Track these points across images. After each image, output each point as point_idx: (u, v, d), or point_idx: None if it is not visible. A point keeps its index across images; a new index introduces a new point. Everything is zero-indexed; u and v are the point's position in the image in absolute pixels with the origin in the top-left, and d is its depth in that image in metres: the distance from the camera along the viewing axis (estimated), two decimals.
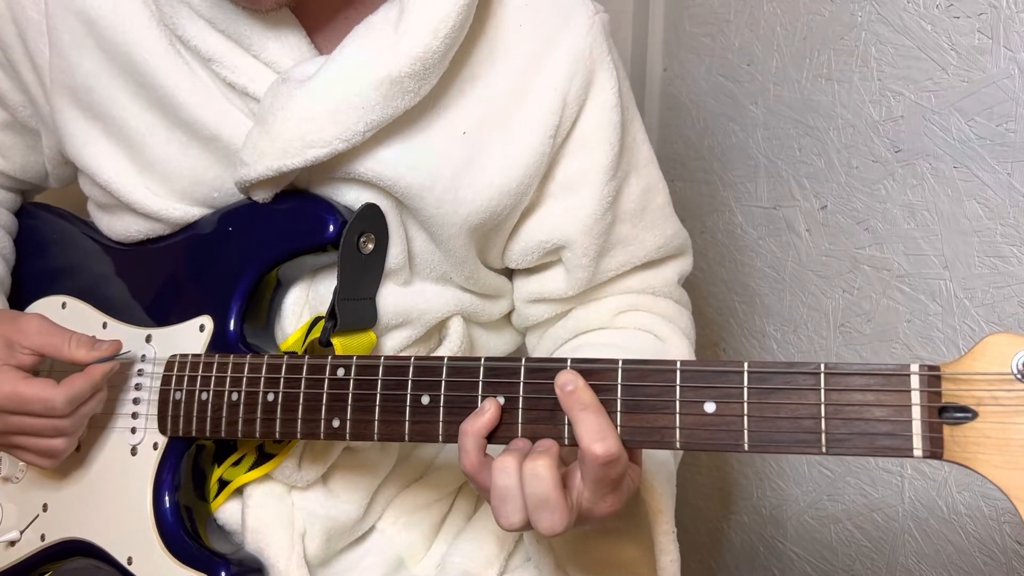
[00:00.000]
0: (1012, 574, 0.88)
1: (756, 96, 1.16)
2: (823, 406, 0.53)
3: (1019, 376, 0.49)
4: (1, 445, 0.74)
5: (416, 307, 0.77)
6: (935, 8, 0.90)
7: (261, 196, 0.73)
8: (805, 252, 1.10)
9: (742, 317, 1.22)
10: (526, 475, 0.57)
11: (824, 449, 0.53)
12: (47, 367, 0.79)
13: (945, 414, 0.51)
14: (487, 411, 0.60)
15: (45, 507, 0.79)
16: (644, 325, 0.82)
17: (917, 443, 0.51)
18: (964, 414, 0.50)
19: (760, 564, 1.21)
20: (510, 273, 0.85)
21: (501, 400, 0.61)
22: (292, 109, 0.69)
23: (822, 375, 0.53)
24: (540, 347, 0.86)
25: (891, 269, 0.98)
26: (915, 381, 0.51)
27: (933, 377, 0.51)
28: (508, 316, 0.88)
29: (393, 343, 0.77)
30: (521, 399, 0.60)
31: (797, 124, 1.09)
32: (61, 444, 0.73)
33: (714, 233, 1.25)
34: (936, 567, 0.96)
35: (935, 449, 0.51)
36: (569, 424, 0.59)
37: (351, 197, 0.73)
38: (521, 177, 0.74)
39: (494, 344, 0.87)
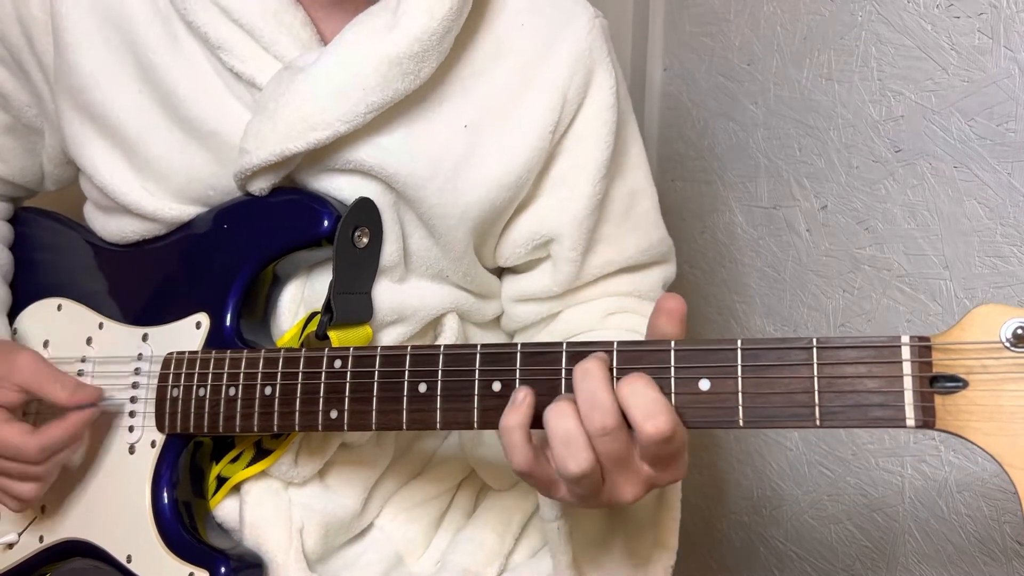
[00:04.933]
0: (1012, 574, 0.88)
1: (756, 96, 1.16)
2: (816, 380, 0.53)
3: (1008, 344, 0.49)
4: None
5: (411, 304, 0.77)
6: (935, 8, 0.90)
7: (259, 187, 0.73)
8: (805, 252, 1.10)
9: (742, 317, 1.22)
10: (576, 375, 0.56)
11: (818, 422, 0.53)
12: (34, 408, 0.79)
13: (936, 384, 0.51)
14: (523, 401, 0.58)
15: (43, 508, 0.79)
16: (633, 327, 0.82)
17: (910, 413, 0.51)
18: (955, 383, 0.51)
19: (760, 564, 1.21)
20: (500, 274, 0.85)
21: (521, 393, 0.59)
22: (293, 93, 0.70)
23: (814, 349, 0.53)
24: None
25: (891, 269, 0.98)
26: (906, 352, 0.52)
27: (924, 348, 0.51)
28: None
29: (388, 339, 0.77)
30: (518, 383, 0.60)
31: (797, 124, 1.09)
32: (29, 490, 0.73)
33: (714, 233, 1.25)
34: (936, 567, 0.95)
35: (927, 418, 0.51)
36: None
37: (350, 191, 0.73)
38: (519, 171, 0.75)
39: (491, 341, 0.87)
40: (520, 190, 0.76)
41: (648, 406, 0.55)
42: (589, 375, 0.56)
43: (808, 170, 1.08)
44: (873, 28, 0.97)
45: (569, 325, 0.83)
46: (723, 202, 1.23)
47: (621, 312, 0.83)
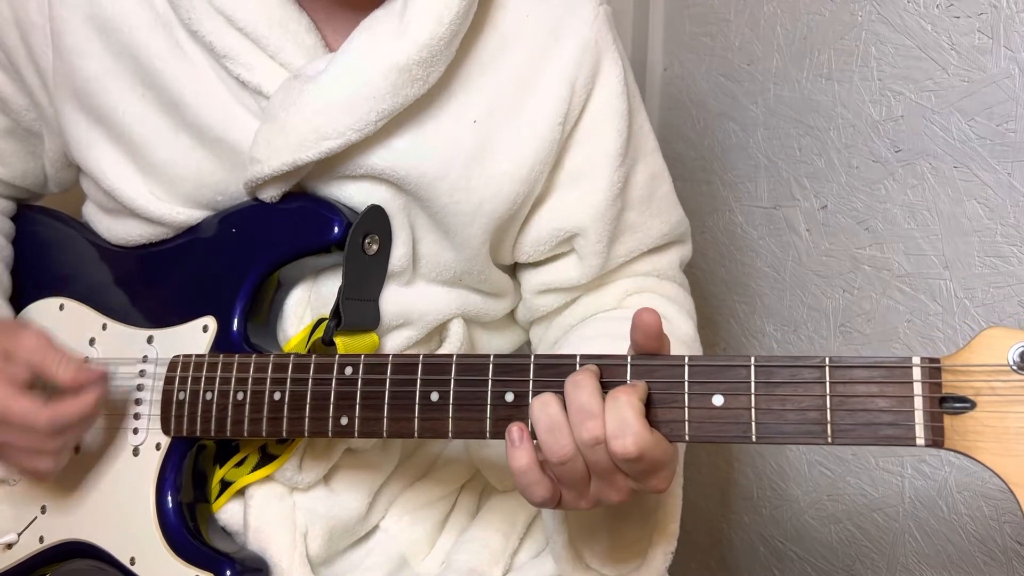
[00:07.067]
0: (1012, 574, 0.88)
1: (756, 96, 1.16)
2: (828, 398, 0.54)
3: (1015, 367, 0.51)
4: None
5: (416, 308, 0.77)
6: (935, 8, 0.90)
7: (269, 195, 0.73)
8: (805, 252, 1.10)
9: (742, 317, 1.22)
10: (568, 387, 0.58)
11: (830, 440, 0.55)
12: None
13: (945, 404, 0.53)
14: (523, 435, 0.59)
15: (43, 509, 0.79)
16: (651, 306, 0.82)
17: (919, 432, 0.53)
18: (963, 404, 0.52)
19: (760, 564, 1.21)
20: (512, 271, 0.85)
21: (516, 429, 0.60)
22: (304, 103, 0.70)
23: (827, 368, 0.55)
24: (547, 336, 0.86)
25: (891, 269, 0.98)
26: (917, 373, 0.53)
27: (934, 369, 0.53)
28: (509, 315, 0.88)
29: (393, 344, 0.77)
30: (531, 395, 0.61)
31: (797, 124, 1.09)
32: (43, 464, 0.72)
33: (714, 233, 1.25)
34: (936, 567, 0.96)
35: (936, 438, 0.53)
36: None
37: (360, 198, 0.73)
38: (532, 164, 0.75)
39: (495, 344, 0.87)
40: (535, 184, 0.76)
41: (619, 425, 0.56)
42: (580, 387, 0.58)
43: (808, 170, 1.08)
44: (873, 28, 0.97)
45: (589, 308, 0.83)
46: (723, 202, 1.23)
47: (639, 292, 0.83)
